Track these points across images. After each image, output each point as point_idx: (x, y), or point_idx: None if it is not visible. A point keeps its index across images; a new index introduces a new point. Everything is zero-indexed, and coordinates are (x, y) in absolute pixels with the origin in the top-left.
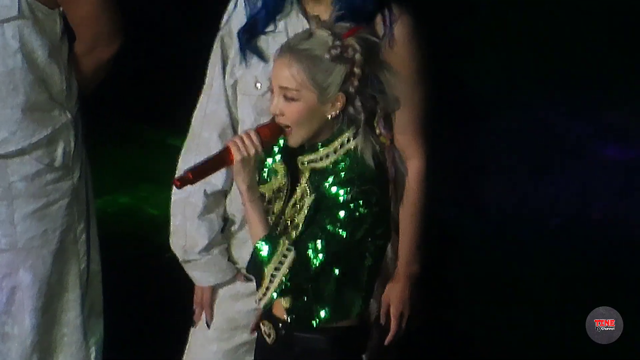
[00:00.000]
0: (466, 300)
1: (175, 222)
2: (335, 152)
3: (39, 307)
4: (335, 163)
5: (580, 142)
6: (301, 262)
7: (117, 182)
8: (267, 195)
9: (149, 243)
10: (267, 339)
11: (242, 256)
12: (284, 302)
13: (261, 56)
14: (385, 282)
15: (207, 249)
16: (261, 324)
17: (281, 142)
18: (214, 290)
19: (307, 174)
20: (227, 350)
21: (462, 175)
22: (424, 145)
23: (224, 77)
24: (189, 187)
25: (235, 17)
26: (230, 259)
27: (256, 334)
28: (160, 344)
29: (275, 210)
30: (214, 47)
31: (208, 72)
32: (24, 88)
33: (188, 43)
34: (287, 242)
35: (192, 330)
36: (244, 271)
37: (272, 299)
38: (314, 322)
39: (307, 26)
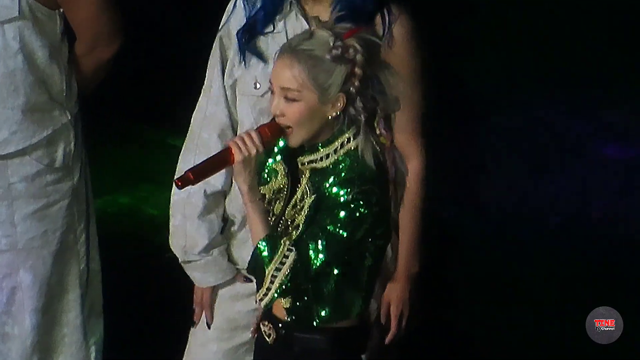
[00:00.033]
0: (466, 300)
1: (175, 222)
2: (335, 152)
3: (39, 308)
4: (336, 163)
5: (580, 141)
6: (302, 262)
7: (117, 182)
8: (267, 195)
9: (149, 243)
10: (267, 339)
11: (242, 256)
12: (284, 302)
13: (260, 57)
14: (385, 282)
15: (207, 249)
16: (261, 324)
17: (281, 142)
18: (213, 290)
19: (307, 174)
20: (227, 350)
21: (462, 175)
22: (424, 145)
23: (223, 77)
24: (188, 188)
25: (234, 18)
26: (230, 260)
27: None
28: (160, 344)
29: (275, 211)
30: (213, 47)
31: (207, 73)
32: (24, 89)
33: (188, 43)
34: (288, 242)
35: (192, 330)
36: (244, 272)
37: (272, 299)
38: (314, 322)
39: (307, 27)
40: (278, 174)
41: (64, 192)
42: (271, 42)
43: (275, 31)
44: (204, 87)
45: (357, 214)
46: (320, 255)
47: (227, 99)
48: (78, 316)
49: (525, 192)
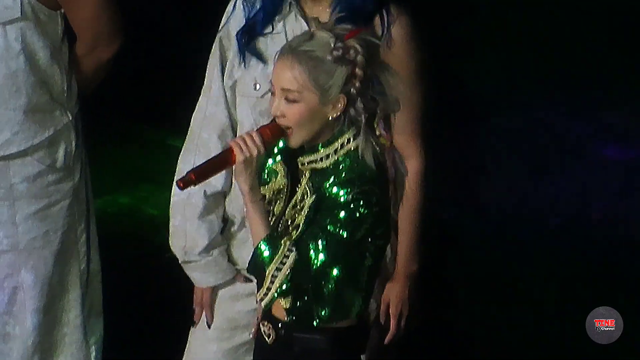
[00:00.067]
0: (466, 300)
1: (175, 222)
2: (335, 152)
3: (41, 308)
4: (336, 163)
5: (580, 142)
6: (302, 262)
7: (117, 182)
8: (267, 196)
9: (149, 243)
10: (266, 339)
11: (242, 256)
12: (284, 302)
13: (260, 57)
14: (384, 282)
15: (207, 250)
16: (260, 324)
17: (281, 143)
18: (213, 290)
19: (307, 175)
20: (227, 350)
21: (462, 175)
22: (423, 146)
23: (223, 78)
24: (188, 188)
25: (233, 19)
26: (229, 260)
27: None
28: (160, 344)
29: (275, 211)
30: (213, 48)
31: (207, 73)
32: (26, 90)
33: (188, 43)
34: (288, 242)
35: (192, 330)
36: (243, 272)
37: (273, 299)
38: (313, 322)
39: (306, 27)
40: (278, 174)
41: (65, 192)
42: (270, 43)
43: (274, 32)
44: (203, 87)
45: (357, 214)
46: (321, 256)
47: (226, 100)
48: (78, 316)
49: (526, 193)
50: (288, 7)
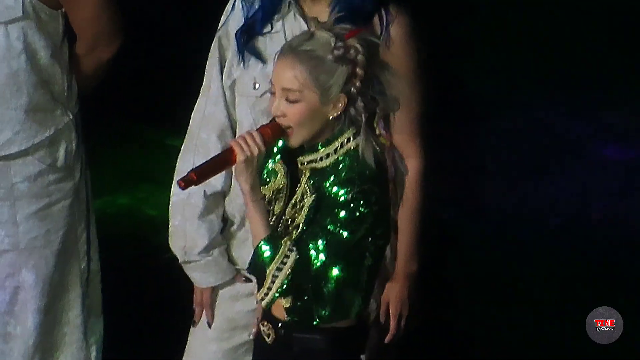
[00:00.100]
0: (466, 300)
1: (174, 223)
2: (335, 152)
3: (42, 307)
4: (336, 163)
5: (580, 142)
6: (303, 262)
7: (116, 183)
8: (267, 196)
9: (148, 243)
10: (266, 339)
11: (242, 256)
12: (284, 302)
13: (259, 57)
14: (384, 281)
15: (207, 250)
16: (260, 325)
17: (280, 142)
18: (213, 290)
19: (307, 174)
20: (227, 350)
21: (462, 175)
22: (422, 145)
23: (222, 78)
24: (189, 188)
25: (232, 19)
26: (229, 259)
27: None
28: (160, 344)
29: (275, 211)
30: (212, 48)
31: (206, 73)
32: (27, 89)
33: (188, 43)
34: (289, 243)
35: (191, 330)
36: (243, 272)
37: (273, 299)
38: (313, 322)
39: (305, 27)
40: (278, 174)
41: (66, 191)
42: (269, 42)
43: (273, 31)
44: (202, 87)
45: (357, 214)
46: (321, 256)
47: (225, 99)
48: (78, 315)
49: (525, 193)
50: (287, 7)
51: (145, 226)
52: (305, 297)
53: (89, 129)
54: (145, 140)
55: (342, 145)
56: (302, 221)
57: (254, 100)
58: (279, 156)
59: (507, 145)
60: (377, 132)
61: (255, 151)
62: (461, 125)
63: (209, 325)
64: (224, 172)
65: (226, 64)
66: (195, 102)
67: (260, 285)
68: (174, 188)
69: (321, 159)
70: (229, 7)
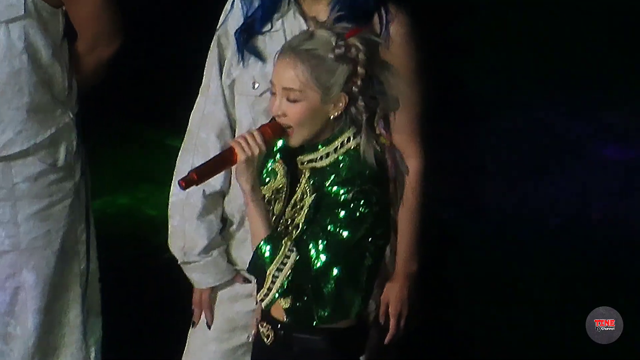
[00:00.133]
0: (466, 300)
1: (173, 223)
2: (335, 151)
3: (42, 308)
4: (335, 162)
5: (580, 142)
6: (303, 262)
7: (116, 183)
8: (267, 195)
9: (148, 243)
10: (265, 340)
11: (241, 256)
12: (284, 303)
13: (259, 56)
14: (384, 282)
15: (206, 250)
16: (259, 325)
17: (280, 142)
18: (212, 291)
19: (306, 174)
20: (226, 351)
21: (462, 175)
22: (422, 145)
23: (221, 77)
24: (189, 188)
25: (231, 18)
26: (228, 260)
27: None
28: (159, 344)
29: (275, 211)
30: (211, 47)
31: (205, 72)
32: (28, 89)
33: (188, 43)
34: (289, 243)
35: (191, 330)
36: (243, 272)
37: (273, 300)
38: (313, 323)
39: (305, 26)
40: (277, 173)
41: (67, 191)
42: (269, 41)
43: (273, 30)
44: (202, 86)
45: (358, 214)
46: (322, 256)
47: (225, 99)
48: (78, 316)
49: (525, 193)
50: (287, 5)
51: (145, 226)
52: (305, 298)
53: (89, 129)
54: (145, 140)
55: (342, 145)
56: (302, 221)
57: (254, 99)
58: (278, 156)
59: (507, 145)
60: (378, 132)
61: (256, 151)
62: (461, 125)
63: (209, 326)
64: (223, 172)
65: (225, 63)
66: (195, 101)
67: (260, 285)
68: (173, 188)
69: (321, 158)
70: (228, 6)
